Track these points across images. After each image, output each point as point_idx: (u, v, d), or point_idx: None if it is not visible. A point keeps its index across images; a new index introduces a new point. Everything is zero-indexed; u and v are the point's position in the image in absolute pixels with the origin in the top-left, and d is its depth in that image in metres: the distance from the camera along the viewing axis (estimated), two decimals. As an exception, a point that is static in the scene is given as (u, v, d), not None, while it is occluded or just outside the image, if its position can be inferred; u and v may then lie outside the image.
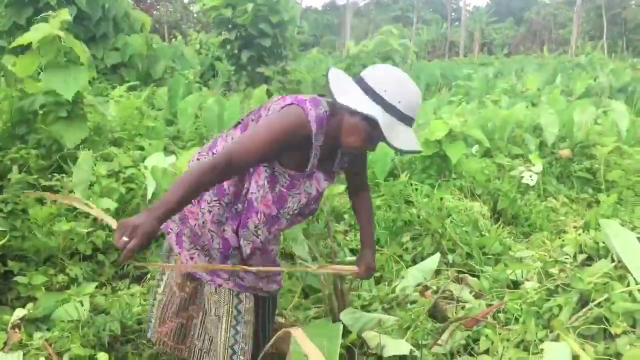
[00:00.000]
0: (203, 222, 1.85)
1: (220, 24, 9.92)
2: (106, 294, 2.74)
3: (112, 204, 2.94)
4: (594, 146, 4.98)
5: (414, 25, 40.78)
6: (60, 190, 3.06)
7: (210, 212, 1.83)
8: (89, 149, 3.26)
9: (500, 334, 2.15)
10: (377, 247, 3.22)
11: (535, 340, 2.01)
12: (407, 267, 3.01)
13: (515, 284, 2.72)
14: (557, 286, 2.29)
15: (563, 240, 2.78)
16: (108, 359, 2.21)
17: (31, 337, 2.27)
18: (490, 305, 2.41)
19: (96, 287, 2.74)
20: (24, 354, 2.15)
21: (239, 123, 1.89)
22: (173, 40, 14.27)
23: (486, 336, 2.17)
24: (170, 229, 1.96)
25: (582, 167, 4.90)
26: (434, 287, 2.81)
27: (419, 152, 1.70)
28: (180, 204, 1.53)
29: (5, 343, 2.24)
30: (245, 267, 1.67)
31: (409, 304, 2.66)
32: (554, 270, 2.48)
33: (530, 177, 4.40)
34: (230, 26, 9.77)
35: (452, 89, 10.70)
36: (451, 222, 3.35)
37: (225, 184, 1.81)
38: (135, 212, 3.18)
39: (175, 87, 5.94)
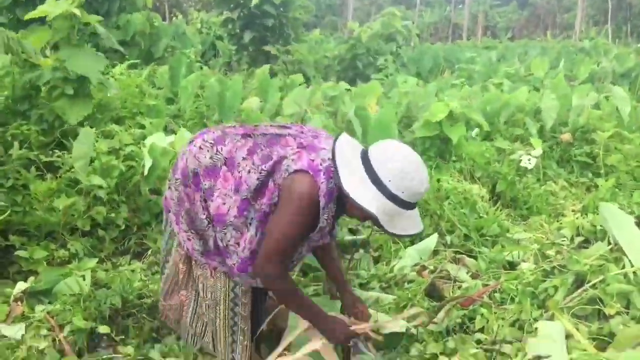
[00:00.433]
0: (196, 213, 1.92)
1: (221, 3, 9.82)
2: (107, 269, 2.77)
3: (102, 182, 2.95)
4: (594, 131, 4.98)
5: (416, 7, 40.14)
6: (62, 166, 3.07)
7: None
8: (91, 127, 3.26)
9: (495, 313, 2.17)
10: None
11: (530, 320, 2.03)
12: (405, 247, 3.04)
13: (512, 265, 2.73)
14: (553, 267, 2.31)
15: (561, 223, 2.79)
16: (109, 332, 2.25)
17: (33, 309, 2.31)
18: (487, 285, 2.43)
19: (97, 263, 2.76)
20: (27, 326, 2.19)
21: (249, 136, 1.87)
22: (174, 19, 14.10)
23: (482, 315, 2.19)
24: (170, 208, 1.99)
25: (582, 152, 4.91)
26: (432, 267, 2.83)
27: (419, 233, 1.87)
28: (301, 306, 1.88)
29: (7, 315, 2.27)
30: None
31: (406, 283, 2.68)
32: (550, 252, 2.49)
33: (529, 160, 4.40)
34: (232, 5, 9.66)
35: (455, 72, 10.61)
36: (449, 204, 3.37)
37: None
38: (135, 189, 3.20)
39: (176, 66, 5.90)
